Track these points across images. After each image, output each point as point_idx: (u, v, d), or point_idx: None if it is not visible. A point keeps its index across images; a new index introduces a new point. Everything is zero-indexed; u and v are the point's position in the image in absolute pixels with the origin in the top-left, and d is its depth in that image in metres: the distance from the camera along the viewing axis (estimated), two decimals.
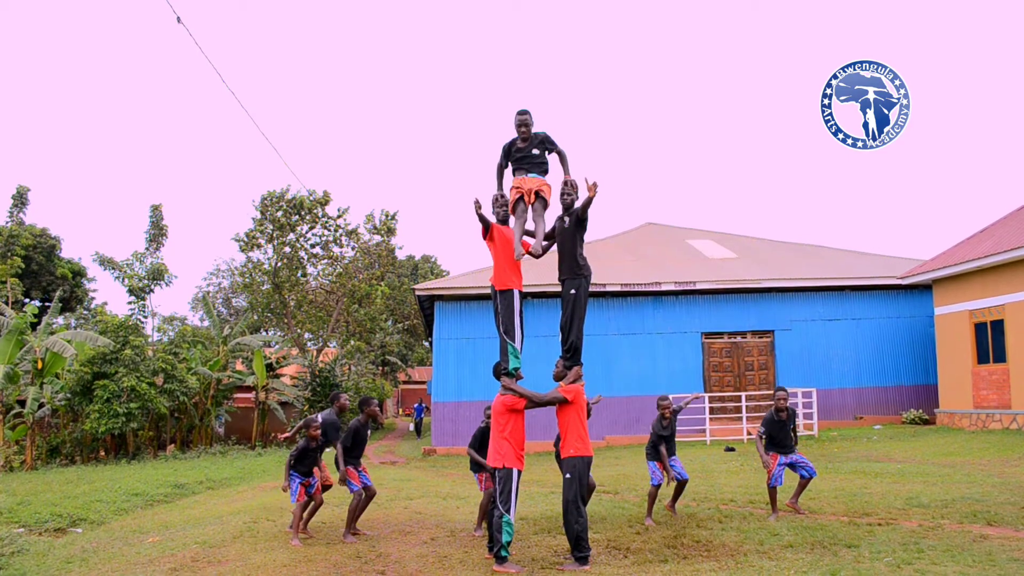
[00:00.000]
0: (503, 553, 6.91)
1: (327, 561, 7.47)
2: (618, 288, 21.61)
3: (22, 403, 23.56)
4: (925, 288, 21.42)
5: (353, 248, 34.04)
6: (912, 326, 22.39)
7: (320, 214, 31.91)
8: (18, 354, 22.58)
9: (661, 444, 9.48)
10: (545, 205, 7.93)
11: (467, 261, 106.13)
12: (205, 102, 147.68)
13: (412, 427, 35.59)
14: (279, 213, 31.19)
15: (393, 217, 33.97)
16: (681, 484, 9.47)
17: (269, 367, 29.36)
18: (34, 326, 24.84)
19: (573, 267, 7.74)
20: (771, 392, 19.18)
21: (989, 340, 18.30)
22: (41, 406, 23.17)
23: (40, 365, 22.81)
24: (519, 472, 7.21)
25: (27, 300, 34.62)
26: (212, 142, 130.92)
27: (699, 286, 21.83)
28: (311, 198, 31.39)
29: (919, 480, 11.20)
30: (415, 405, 36.27)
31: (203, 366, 26.89)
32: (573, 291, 7.68)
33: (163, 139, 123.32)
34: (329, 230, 32.61)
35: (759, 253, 25.37)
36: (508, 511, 6.98)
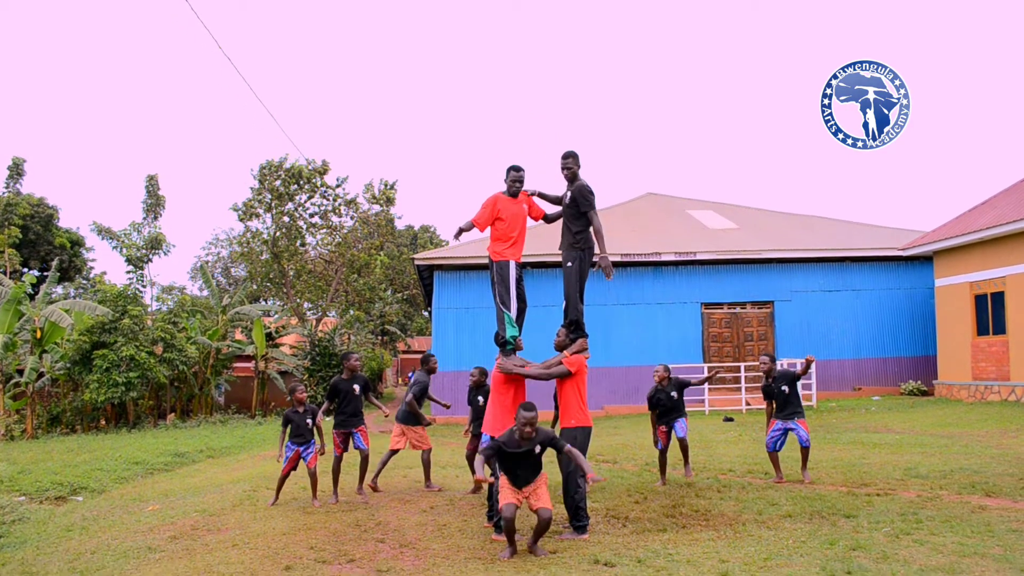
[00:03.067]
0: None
1: (326, 529, 7.49)
2: (618, 258, 21.53)
3: (22, 373, 23.59)
4: (926, 260, 21.36)
5: (352, 218, 33.90)
6: (912, 298, 22.37)
7: (319, 183, 31.73)
8: (17, 324, 22.57)
9: (659, 410, 9.60)
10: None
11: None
12: (203, 71, 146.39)
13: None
14: (277, 182, 31.01)
15: (392, 186, 33.78)
16: (681, 445, 9.57)
17: (268, 336, 29.36)
18: (32, 296, 24.81)
19: (570, 240, 7.68)
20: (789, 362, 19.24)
21: (989, 312, 18.27)
22: (40, 375, 23.19)
23: (39, 335, 22.80)
24: None
25: (25, 270, 34.56)
26: (210, 111, 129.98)
27: (699, 256, 21.77)
28: (310, 167, 31.20)
29: (917, 451, 11.22)
30: (409, 374, 35.40)
31: (202, 335, 26.89)
32: (569, 263, 7.64)
33: (161, 108, 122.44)
34: (328, 199, 32.46)
35: (760, 224, 25.27)
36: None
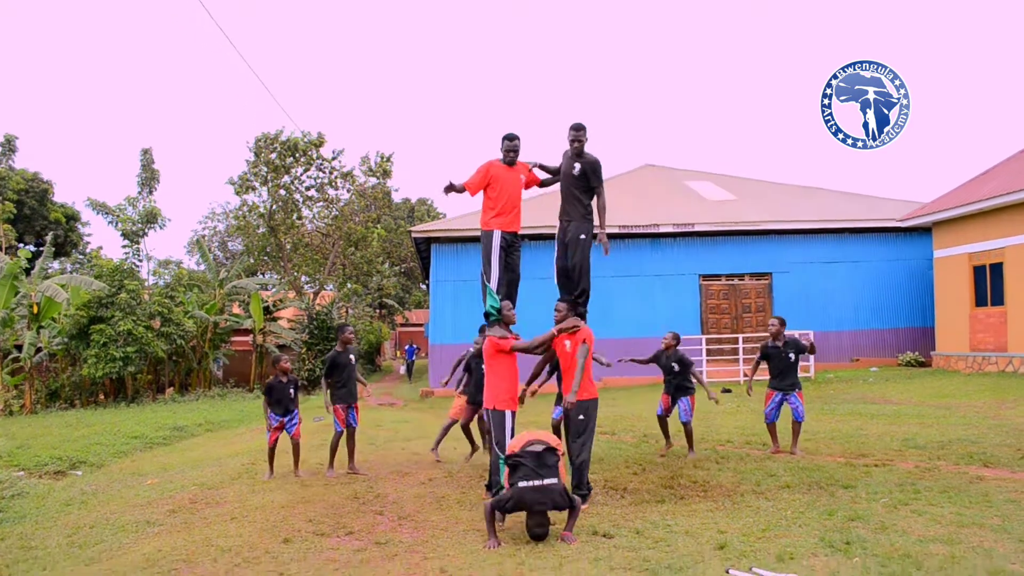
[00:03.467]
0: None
1: (325, 502, 7.49)
2: (616, 230, 21.43)
3: (20, 348, 23.57)
4: (925, 231, 21.27)
5: (349, 191, 33.73)
6: (911, 269, 22.31)
7: (315, 156, 31.54)
8: (13, 299, 22.51)
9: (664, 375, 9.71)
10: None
11: (464, 203, 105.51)
12: (197, 43, 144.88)
13: (404, 370, 34.22)
14: (273, 155, 30.82)
15: (388, 159, 33.59)
16: (685, 429, 9.57)
17: (266, 310, 29.32)
18: (28, 271, 24.73)
19: (582, 211, 7.59)
20: (791, 332, 19.15)
21: (987, 283, 18.23)
22: (38, 351, 23.17)
23: (36, 310, 22.74)
24: (512, 413, 7.16)
25: (21, 245, 34.41)
26: (205, 84, 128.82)
27: (698, 228, 21.66)
28: (305, 140, 30.98)
29: (915, 422, 11.24)
30: (406, 347, 34.40)
31: (200, 310, 26.84)
32: (583, 236, 7.55)
33: (155, 82, 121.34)
34: (324, 172, 32.28)
35: (758, 195, 25.14)
36: (504, 453, 6.95)
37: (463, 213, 24.89)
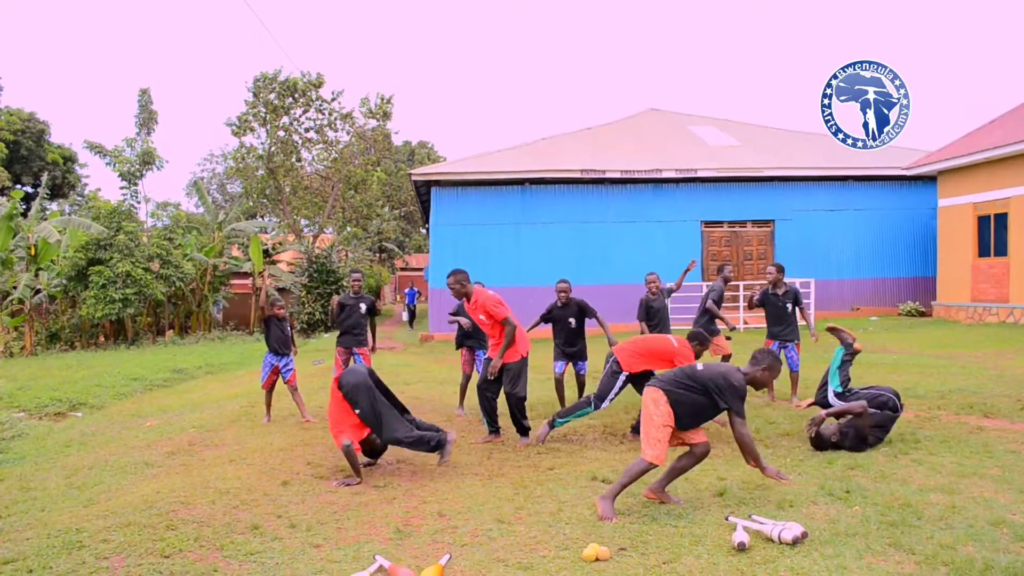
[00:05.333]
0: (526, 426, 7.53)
1: (324, 445, 7.49)
2: (618, 175, 21.21)
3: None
4: (930, 180, 21.04)
5: (348, 133, 33.33)
6: (914, 218, 22.13)
7: (314, 97, 31.07)
8: (11, 241, 22.37)
9: (652, 320, 9.36)
10: None
11: (465, 147, 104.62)
12: None
13: (405, 316, 32.19)
14: (272, 96, 30.36)
15: (389, 101, 33.09)
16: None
17: (265, 253, 29.19)
18: (25, 213, 24.54)
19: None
20: (792, 280, 19.02)
21: (991, 233, 18.09)
22: (37, 292, 23.11)
23: (33, 252, 22.62)
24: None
25: (18, 186, 34.12)
26: (203, 23, 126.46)
27: (700, 174, 21.41)
28: (304, 80, 30.49)
29: (915, 371, 11.21)
30: (406, 291, 32.05)
31: (199, 252, 26.72)
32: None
33: (152, 20, 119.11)
34: (323, 114, 31.84)
35: (763, 141, 24.81)
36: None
37: (464, 156, 24.61)
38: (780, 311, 9.24)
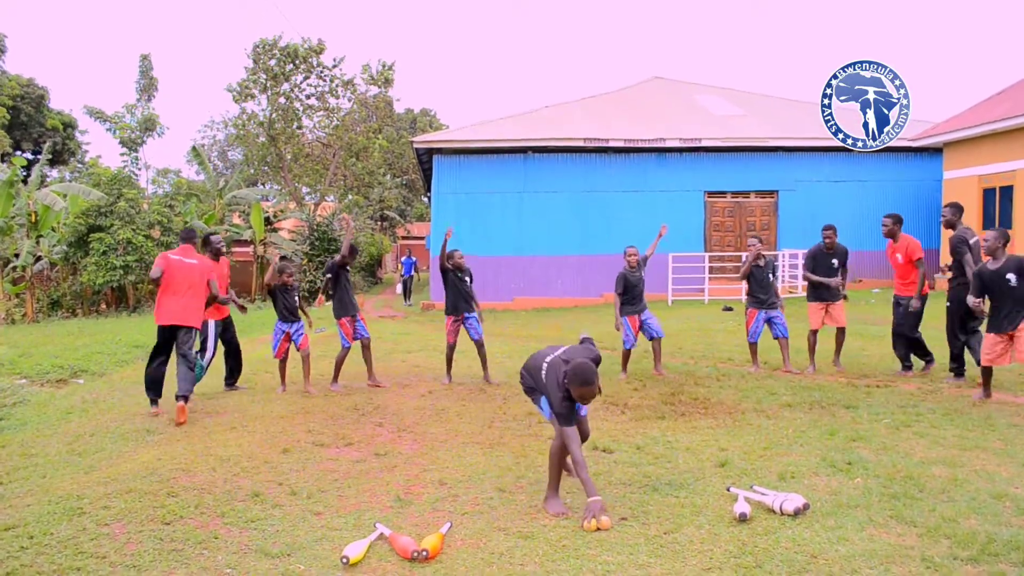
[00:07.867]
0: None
1: (325, 412, 7.50)
2: (621, 144, 21.03)
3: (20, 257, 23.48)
4: (935, 151, 20.86)
5: (350, 100, 33.03)
6: (919, 190, 21.96)
7: (315, 63, 30.75)
8: (11, 208, 22.28)
9: (629, 294, 9.37)
10: None
11: (467, 115, 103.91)
12: None
13: (400, 289, 28.58)
14: (272, 62, 30.03)
15: (390, 68, 32.72)
16: (657, 343, 9.48)
17: (267, 221, 29.10)
18: (25, 180, 24.42)
19: None
20: (773, 253, 18.96)
21: (996, 206, 17.97)
22: (38, 259, 23.08)
23: (34, 218, 22.54)
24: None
25: (17, 153, 33.95)
26: None
27: (704, 143, 21.22)
28: (305, 46, 30.15)
29: None
30: (403, 259, 28.74)
31: (199, 219, 26.63)
32: None
33: None
34: (324, 80, 31.52)
35: (767, 111, 24.57)
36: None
37: (466, 124, 24.41)
38: (767, 281, 9.43)
